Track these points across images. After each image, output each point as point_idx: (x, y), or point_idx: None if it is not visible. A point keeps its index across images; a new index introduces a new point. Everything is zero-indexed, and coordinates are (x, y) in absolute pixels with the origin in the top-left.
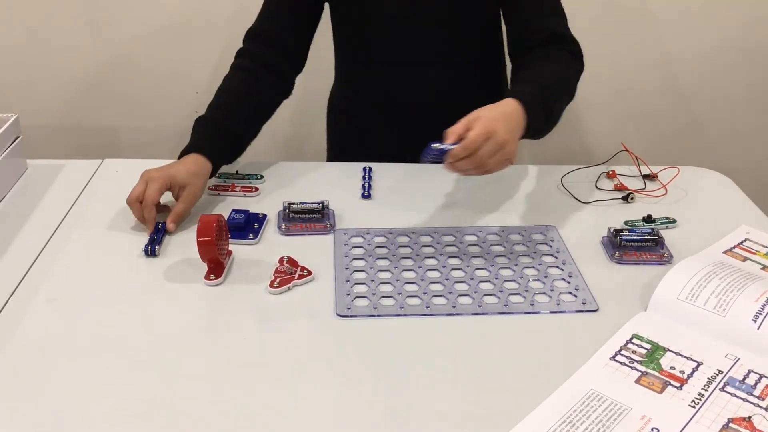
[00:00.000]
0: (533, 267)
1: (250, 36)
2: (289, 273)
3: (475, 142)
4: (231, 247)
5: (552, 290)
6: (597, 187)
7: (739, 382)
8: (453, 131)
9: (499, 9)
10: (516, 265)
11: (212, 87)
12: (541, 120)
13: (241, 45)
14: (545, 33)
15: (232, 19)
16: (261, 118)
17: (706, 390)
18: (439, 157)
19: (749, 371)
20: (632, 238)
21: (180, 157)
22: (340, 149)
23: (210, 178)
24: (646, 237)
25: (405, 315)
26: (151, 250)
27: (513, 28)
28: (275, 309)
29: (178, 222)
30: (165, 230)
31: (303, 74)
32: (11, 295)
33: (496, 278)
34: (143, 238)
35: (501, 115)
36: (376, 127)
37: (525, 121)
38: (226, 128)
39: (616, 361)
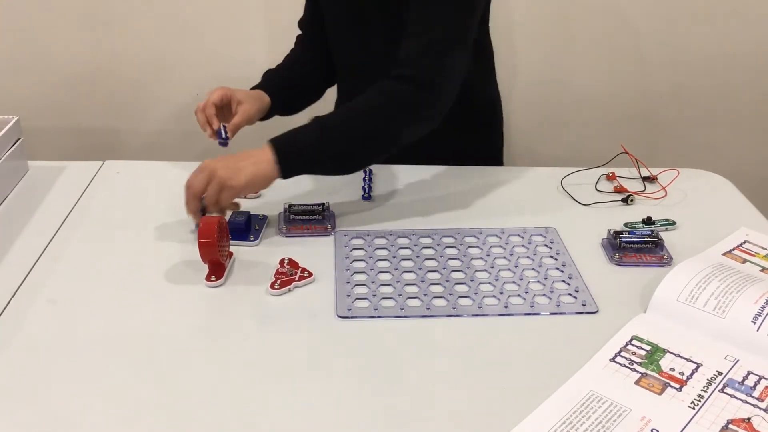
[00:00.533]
0: (533, 269)
1: (299, 25)
2: (290, 274)
3: (194, 187)
4: (232, 249)
5: (552, 292)
6: (597, 189)
7: (739, 383)
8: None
9: None
10: (516, 266)
11: (212, 88)
12: (294, 164)
13: (237, 49)
14: (398, 57)
15: (233, 22)
16: (315, 83)
17: (705, 391)
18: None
19: (748, 372)
20: (632, 239)
21: None
22: None
23: (266, 117)
24: (645, 239)
25: (405, 316)
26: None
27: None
28: (276, 310)
29: (233, 132)
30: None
31: None
32: (13, 296)
33: (497, 280)
34: (144, 240)
35: (231, 157)
36: None
37: (270, 157)
38: (284, 78)
39: (616, 362)
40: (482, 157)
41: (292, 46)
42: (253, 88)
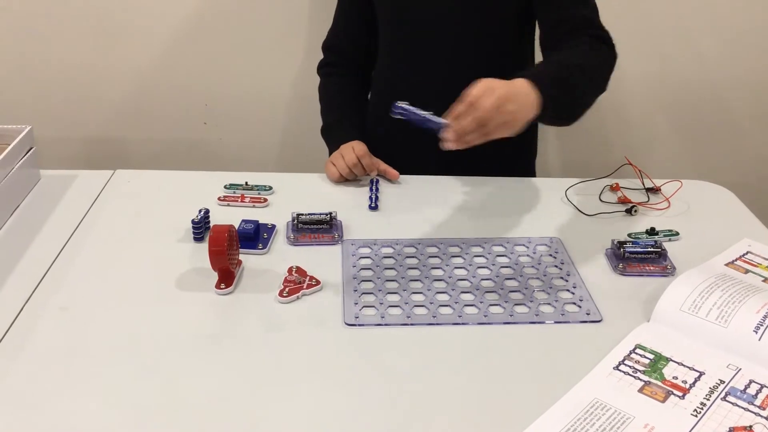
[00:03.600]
0: (538, 278)
1: (324, 48)
2: (298, 282)
3: (476, 96)
4: (241, 257)
5: (557, 301)
6: (601, 200)
7: (741, 391)
8: (469, 95)
9: (527, 12)
10: (521, 275)
11: (221, 98)
12: (557, 98)
13: (246, 59)
14: (574, 21)
15: (242, 32)
16: (359, 105)
17: (708, 399)
18: (417, 121)
19: (750, 381)
20: (636, 250)
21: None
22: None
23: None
24: (649, 249)
25: (412, 324)
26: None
27: (543, 22)
28: (284, 318)
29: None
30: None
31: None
32: (25, 304)
33: (502, 289)
34: (154, 248)
35: (504, 84)
36: (404, 140)
37: (538, 98)
38: (349, 117)
39: (620, 370)
40: (517, 165)
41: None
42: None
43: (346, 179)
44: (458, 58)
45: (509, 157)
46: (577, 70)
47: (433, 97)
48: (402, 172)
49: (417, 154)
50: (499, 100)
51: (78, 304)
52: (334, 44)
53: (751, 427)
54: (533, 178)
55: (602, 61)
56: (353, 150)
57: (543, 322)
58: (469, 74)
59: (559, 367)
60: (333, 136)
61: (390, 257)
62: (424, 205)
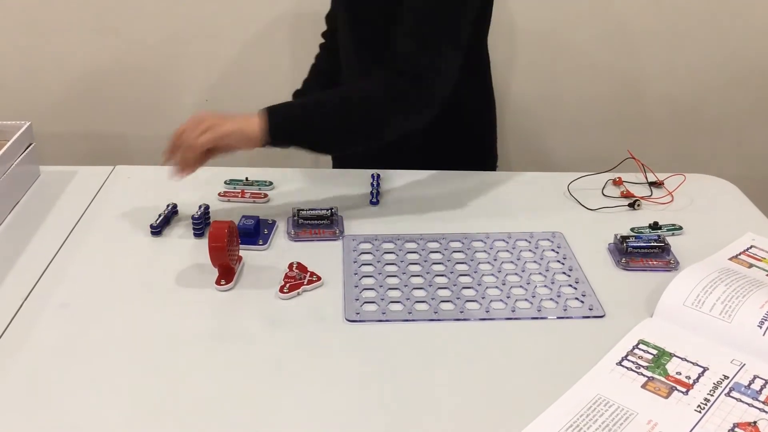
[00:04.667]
0: (540, 273)
1: (326, 17)
2: (299, 278)
3: (179, 130)
4: (241, 253)
5: (559, 296)
6: (603, 194)
7: (745, 387)
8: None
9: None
10: (523, 271)
11: (222, 94)
12: (281, 135)
13: (248, 54)
14: (392, 50)
15: (243, 27)
16: (323, 81)
17: (711, 395)
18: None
19: (754, 377)
20: (639, 244)
21: None
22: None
23: None
24: (652, 244)
25: (413, 320)
26: None
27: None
28: (285, 314)
29: None
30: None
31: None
32: (25, 300)
33: (504, 284)
34: (155, 244)
35: (218, 114)
36: None
37: (259, 124)
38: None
39: (623, 366)
40: (472, 160)
41: (302, 49)
42: None
43: None
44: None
45: (461, 159)
46: (324, 111)
47: None
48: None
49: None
50: (196, 121)
51: (78, 301)
52: (328, 14)
53: (755, 422)
54: (536, 173)
55: (378, 105)
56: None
57: (545, 318)
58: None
59: (562, 363)
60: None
61: (391, 252)
62: (426, 200)
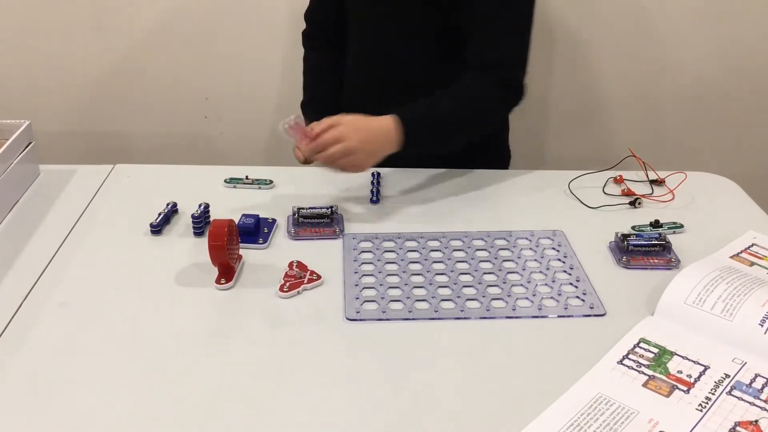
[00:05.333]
0: (541, 272)
1: (305, 17)
2: (299, 277)
3: (322, 145)
4: (241, 252)
5: (560, 295)
6: (604, 192)
7: (746, 386)
8: (313, 128)
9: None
10: (524, 269)
11: (221, 93)
12: (419, 141)
13: (247, 53)
14: (481, 58)
15: (242, 25)
16: (332, 80)
17: (713, 394)
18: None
19: (756, 375)
20: (640, 243)
21: None
22: None
23: None
24: (653, 242)
25: (413, 319)
26: None
27: (466, 49)
28: (285, 313)
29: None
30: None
31: None
32: (24, 299)
33: (504, 282)
34: (154, 243)
35: (364, 128)
36: None
37: (399, 140)
38: (320, 98)
39: (624, 365)
40: (489, 157)
41: (302, 49)
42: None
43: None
44: (411, 53)
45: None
46: (451, 117)
47: (393, 92)
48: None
49: None
50: (345, 151)
51: (77, 300)
52: (311, 15)
53: (756, 421)
54: (536, 171)
55: (485, 110)
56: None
57: (546, 316)
58: (423, 70)
59: (563, 362)
60: (307, 116)
61: (391, 251)
62: (426, 199)
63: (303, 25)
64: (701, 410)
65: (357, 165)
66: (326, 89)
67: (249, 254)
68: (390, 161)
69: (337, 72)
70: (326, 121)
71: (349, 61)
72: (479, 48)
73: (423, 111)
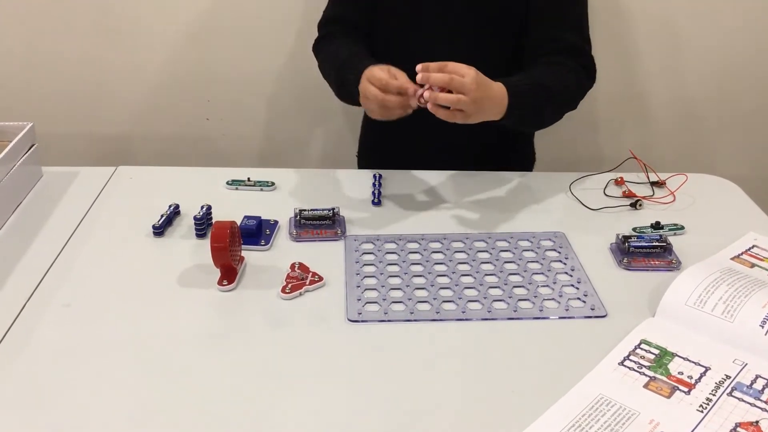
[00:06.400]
0: (542, 273)
1: (322, 24)
2: (301, 279)
3: (456, 85)
4: (243, 253)
5: (561, 296)
6: (605, 194)
7: (747, 387)
8: (454, 68)
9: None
10: (525, 271)
11: (224, 95)
12: (523, 115)
13: (249, 56)
14: (560, 44)
15: (245, 28)
16: (366, 49)
17: (713, 395)
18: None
19: (757, 376)
20: (641, 244)
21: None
22: (368, 151)
23: None
24: (654, 243)
25: (415, 320)
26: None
27: (531, 39)
28: (287, 314)
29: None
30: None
31: (314, 81)
32: (28, 300)
33: (506, 284)
34: (157, 244)
35: (488, 94)
36: (404, 133)
37: (505, 109)
38: (358, 54)
39: (625, 366)
40: (516, 159)
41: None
42: (356, 72)
43: (389, 105)
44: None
45: (510, 143)
46: (550, 92)
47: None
48: (401, 164)
49: (415, 143)
50: (469, 91)
51: (81, 301)
52: (335, 15)
53: (757, 422)
54: (537, 173)
55: (577, 90)
56: (375, 76)
57: (547, 318)
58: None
59: (564, 363)
60: (350, 76)
61: (393, 253)
62: (428, 201)
63: (305, 26)
64: (702, 411)
65: (465, 111)
66: (364, 51)
67: (251, 256)
68: (399, 162)
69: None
70: (459, 66)
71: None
72: (555, 34)
73: (529, 86)
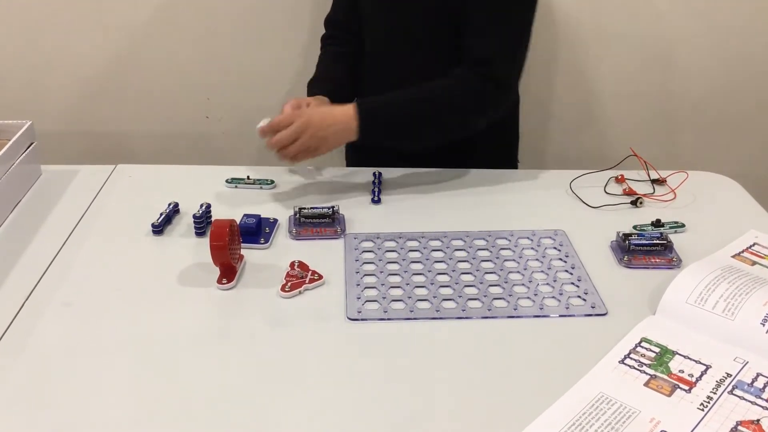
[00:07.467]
0: (542, 271)
1: (325, 23)
2: (300, 277)
3: (281, 142)
4: (243, 252)
5: (561, 294)
6: (606, 192)
7: (748, 385)
8: (275, 122)
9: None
10: (525, 269)
11: (223, 93)
12: (379, 132)
13: (249, 54)
14: (470, 52)
15: (244, 25)
16: (354, 80)
17: (714, 393)
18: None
19: (757, 374)
20: (641, 242)
21: None
22: (354, 149)
23: None
24: (654, 241)
25: (415, 318)
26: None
27: (460, 42)
28: (287, 313)
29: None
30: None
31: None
32: (27, 299)
33: (506, 282)
34: (156, 243)
35: (322, 122)
36: None
37: (357, 130)
38: (332, 81)
39: (625, 364)
40: (498, 156)
41: (303, 48)
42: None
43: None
44: (413, 62)
45: (489, 147)
46: (415, 108)
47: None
48: (388, 162)
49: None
50: (302, 146)
51: (79, 300)
52: (332, 18)
53: (758, 420)
54: (538, 170)
55: (460, 106)
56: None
57: (547, 316)
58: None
59: (564, 361)
60: (310, 92)
61: (393, 251)
62: (427, 199)
63: (305, 25)
64: (703, 410)
65: (307, 149)
66: (335, 69)
67: (250, 254)
68: (391, 161)
69: (350, 61)
70: (288, 117)
71: (364, 68)
72: (467, 43)
73: (385, 102)
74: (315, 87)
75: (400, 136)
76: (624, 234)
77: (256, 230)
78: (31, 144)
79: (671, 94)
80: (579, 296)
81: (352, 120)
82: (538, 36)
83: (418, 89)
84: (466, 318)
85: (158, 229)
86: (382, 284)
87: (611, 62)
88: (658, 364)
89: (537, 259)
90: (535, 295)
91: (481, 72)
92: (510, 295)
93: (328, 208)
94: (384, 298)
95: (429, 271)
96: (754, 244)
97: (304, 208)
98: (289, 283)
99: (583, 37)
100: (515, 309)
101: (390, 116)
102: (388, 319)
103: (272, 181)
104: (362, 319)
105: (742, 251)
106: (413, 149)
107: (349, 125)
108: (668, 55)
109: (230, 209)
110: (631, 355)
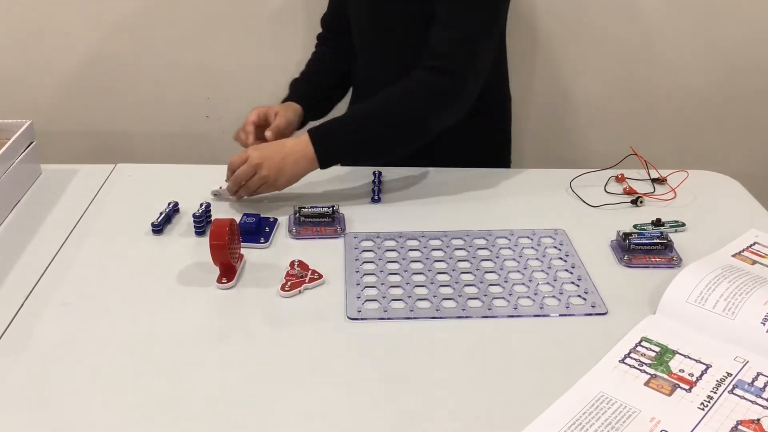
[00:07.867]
0: (543, 270)
1: (321, 22)
2: (300, 276)
3: (239, 178)
4: (242, 251)
5: (561, 293)
6: (606, 191)
7: (748, 384)
8: (230, 161)
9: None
10: (525, 268)
11: (223, 92)
12: (341, 153)
13: (248, 53)
14: (427, 48)
15: (243, 26)
16: (340, 82)
17: (715, 392)
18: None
19: (758, 374)
20: (641, 241)
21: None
22: None
23: (301, 125)
24: (655, 240)
25: (415, 318)
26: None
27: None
28: (286, 312)
29: (276, 136)
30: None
31: None
32: (26, 299)
33: (506, 281)
34: (156, 243)
35: (276, 154)
36: None
37: (314, 157)
38: (313, 84)
39: (626, 363)
40: (489, 155)
41: (304, 49)
42: (284, 100)
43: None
44: (395, 59)
45: (480, 148)
46: (372, 119)
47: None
48: (388, 161)
49: None
50: (261, 180)
51: (79, 300)
52: (325, 17)
53: (758, 420)
54: (538, 169)
55: (416, 105)
56: (256, 112)
57: (548, 315)
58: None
59: (564, 361)
60: (289, 92)
61: (393, 250)
62: (427, 198)
63: (305, 24)
64: (703, 409)
65: (265, 181)
66: (318, 72)
67: (250, 254)
68: (391, 160)
69: (337, 65)
70: (243, 154)
71: (355, 68)
72: (431, 37)
73: (338, 124)
74: (293, 88)
75: (362, 154)
76: (624, 233)
77: (256, 230)
78: (31, 143)
79: (671, 92)
80: (579, 295)
81: (308, 147)
82: (539, 35)
83: (372, 103)
84: (466, 317)
85: (158, 228)
86: (382, 284)
87: (612, 61)
88: (659, 364)
89: (537, 259)
90: (535, 294)
91: (437, 66)
92: (510, 295)
93: (328, 208)
94: (384, 297)
95: (429, 271)
96: (754, 243)
97: (304, 208)
98: (288, 283)
99: (583, 37)
100: (515, 308)
101: (345, 137)
102: (388, 318)
103: None
104: (362, 319)
105: (743, 250)
106: (381, 159)
107: (306, 153)
108: (669, 54)
109: (230, 209)
110: (632, 355)
